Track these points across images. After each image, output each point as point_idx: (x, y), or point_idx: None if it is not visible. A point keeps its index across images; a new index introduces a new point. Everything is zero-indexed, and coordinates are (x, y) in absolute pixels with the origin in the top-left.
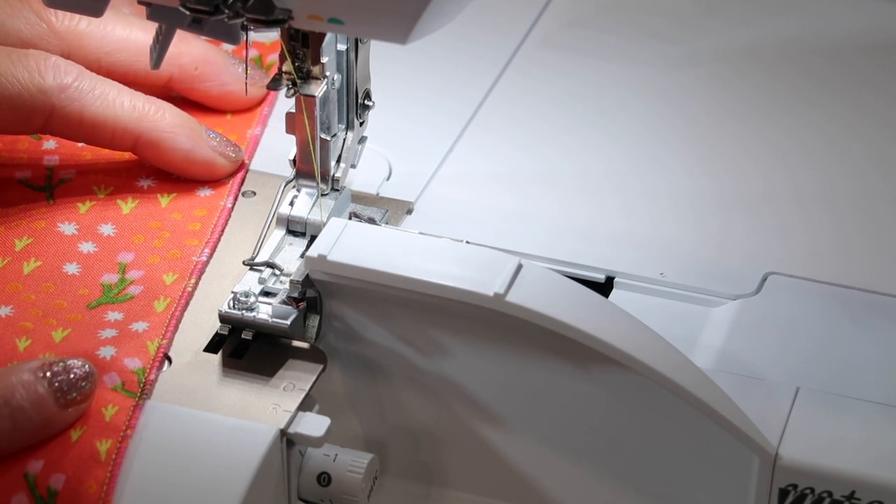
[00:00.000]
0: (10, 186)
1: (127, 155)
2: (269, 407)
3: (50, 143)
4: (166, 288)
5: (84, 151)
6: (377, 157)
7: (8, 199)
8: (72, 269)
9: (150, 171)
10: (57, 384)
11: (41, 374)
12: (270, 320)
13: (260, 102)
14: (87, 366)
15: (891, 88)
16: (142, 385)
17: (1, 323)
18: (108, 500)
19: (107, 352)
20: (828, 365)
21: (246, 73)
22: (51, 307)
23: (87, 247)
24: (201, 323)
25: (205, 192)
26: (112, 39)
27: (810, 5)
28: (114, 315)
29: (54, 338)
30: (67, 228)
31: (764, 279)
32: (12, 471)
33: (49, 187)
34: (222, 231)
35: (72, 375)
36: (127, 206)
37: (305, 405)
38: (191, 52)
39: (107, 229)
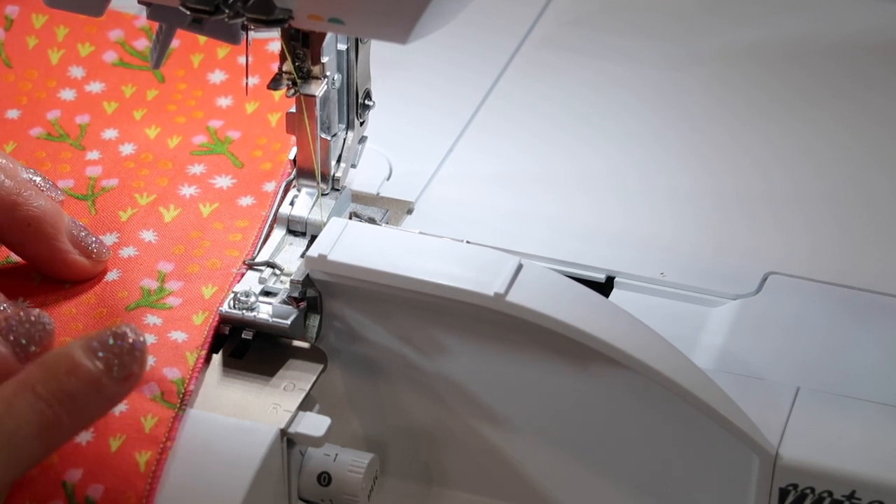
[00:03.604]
0: None
1: (170, 164)
2: (270, 407)
3: (93, 153)
4: (205, 302)
5: (127, 161)
6: (377, 157)
7: None
8: (112, 275)
9: (192, 180)
10: (106, 358)
11: (91, 353)
12: (271, 320)
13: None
14: (134, 333)
15: (892, 88)
16: (181, 396)
17: None
18: None
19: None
20: (828, 365)
21: (246, 73)
22: (91, 318)
23: (127, 251)
24: None
25: (246, 202)
26: None
27: (812, 5)
28: (153, 319)
29: None
30: (109, 239)
31: (764, 279)
32: (50, 477)
33: (91, 196)
34: (264, 242)
35: (122, 343)
36: (168, 214)
37: (305, 405)
38: (28, 205)
39: (148, 236)
